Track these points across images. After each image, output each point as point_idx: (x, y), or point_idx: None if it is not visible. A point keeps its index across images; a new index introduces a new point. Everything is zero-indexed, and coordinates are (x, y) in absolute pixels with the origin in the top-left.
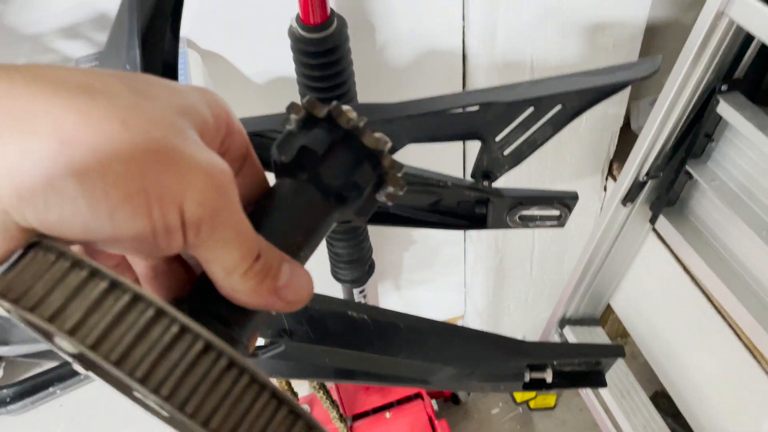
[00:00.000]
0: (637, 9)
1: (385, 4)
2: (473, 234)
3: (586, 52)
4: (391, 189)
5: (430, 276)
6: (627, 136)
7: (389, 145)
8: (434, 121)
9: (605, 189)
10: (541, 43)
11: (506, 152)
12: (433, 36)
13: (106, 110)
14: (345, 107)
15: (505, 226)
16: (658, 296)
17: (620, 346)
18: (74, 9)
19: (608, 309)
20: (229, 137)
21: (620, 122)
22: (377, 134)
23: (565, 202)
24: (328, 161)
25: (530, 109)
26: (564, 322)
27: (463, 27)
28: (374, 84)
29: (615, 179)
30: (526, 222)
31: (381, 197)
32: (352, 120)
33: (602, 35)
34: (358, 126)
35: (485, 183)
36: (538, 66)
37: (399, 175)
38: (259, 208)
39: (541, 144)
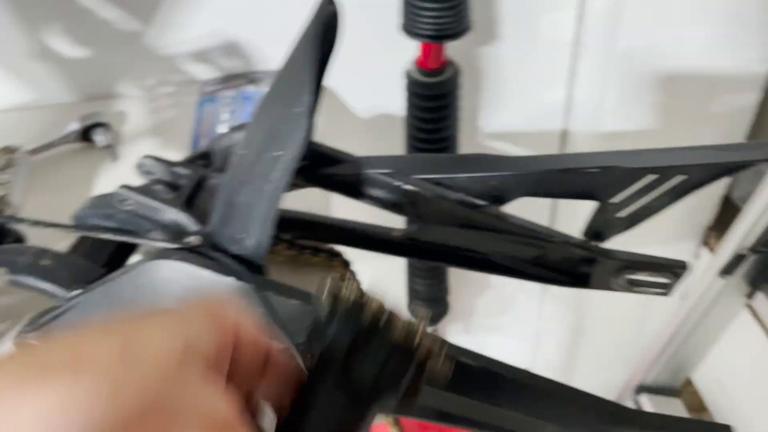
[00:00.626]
0: (753, 80)
1: (496, 60)
2: (554, 287)
3: (695, 119)
4: (433, 380)
5: (502, 323)
6: (725, 205)
7: (419, 336)
8: (554, 178)
9: (698, 257)
10: (648, 106)
11: (621, 215)
12: (537, 93)
13: (89, 390)
14: (370, 297)
15: (609, 287)
16: (745, 375)
17: (727, 426)
18: (207, 36)
19: (687, 380)
20: (239, 350)
21: (721, 191)
22: (405, 325)
23: (675, 270)
24: (355, 359)
25: (652, 177)
26: (641, 389)
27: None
28: (475, 132)
29: (710, 248)
30: (632, 286)
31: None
32: (376, 313)
33: (716, 103)
34: (381, 319)
35: (594, 242)
36: (644, 129)
37: (440, 366)
38: (291, 417)
39: (657, 212)
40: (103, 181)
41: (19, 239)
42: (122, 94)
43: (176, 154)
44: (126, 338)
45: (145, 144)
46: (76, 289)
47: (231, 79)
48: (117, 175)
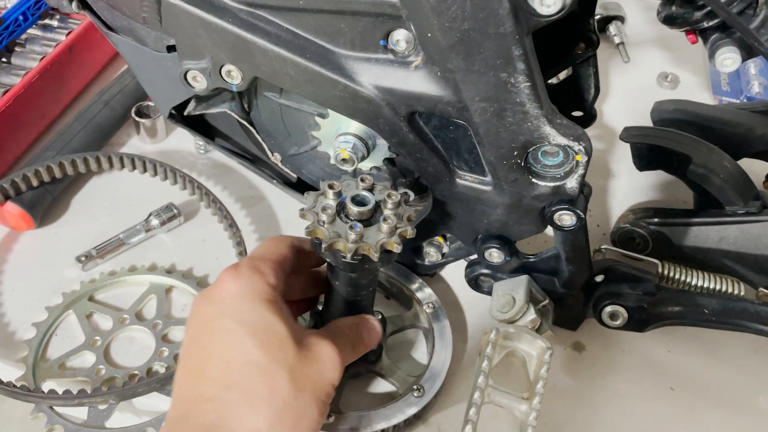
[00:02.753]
0: None
1: None
2: None
3: None
4: None
5: None
6: None
7: None
8: None
9: None
10: None
11: None
12: None
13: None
14: None
15: None
16: None
17: None
18: None
19: None
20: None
21: None
22: None
23: None
24: None
25: None
26: None
27: None
28: None
29: None
30: None
31: None
32: None
33: None
34: None
35: None
36: None
37: None
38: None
39: None
40: (616, 81)
41: None
42: None
43: (691, 76)
44: (298, 379)
45: (652, 55)
46: (750, 207)
47: None
48: (632, 80)
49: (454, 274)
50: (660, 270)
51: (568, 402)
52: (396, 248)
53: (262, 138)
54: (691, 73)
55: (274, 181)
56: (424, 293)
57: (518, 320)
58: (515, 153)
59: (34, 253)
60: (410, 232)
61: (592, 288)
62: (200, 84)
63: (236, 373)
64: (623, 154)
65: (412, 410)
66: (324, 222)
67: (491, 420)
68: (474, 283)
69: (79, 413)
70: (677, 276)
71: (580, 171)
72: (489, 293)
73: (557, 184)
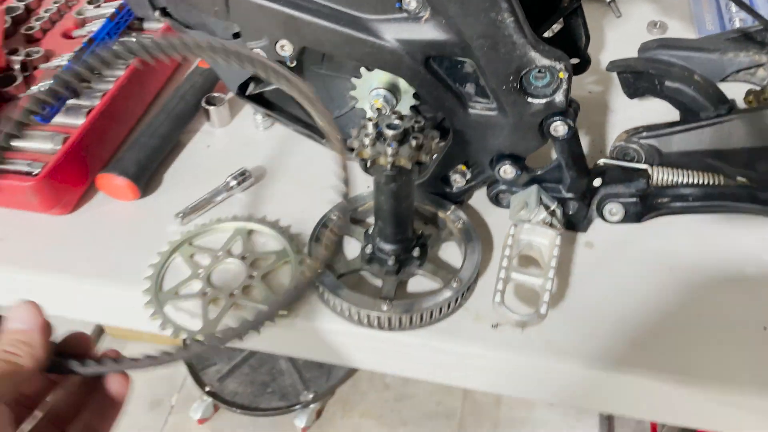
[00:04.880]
0: None
1: None
2: None
3: None
4: None
5: None
6: None
7: None
8: None
9: None
10: None
11: None
12: None
13: None
14: None
15: None
16: None
17: None
18: None
19: None
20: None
21: None
22: None
23: None
24: None
25: None
26: None
27: None
28: None
29: None
30: None
31: None
32: None
33: None
34: None
35: None
36: None
37: None
38: None
39: None
40: (610, 34)
41: None
42: None
43: (678, 21)
44: None
45: (641, 8)
46: (720, 110)
47: None
48: (624, 32)
49: (480, 202)
50: (650, 173)
51: (581, 286)
52: (424, 158)
53: None
54: (677, 18)
55: (323, 141)
56: (456, 215)
57: (532, 220)
58: (511, 78)
59: (142, 215)
60: (435, 146)
61: (593, 192)
62: None
63: None
64: (619, 92)
65: (451, 294)
66: (367, 145)
67: (516, 298)
68: (495, 199)
69: (194, 325)
70: (665, 177)
71: (564, 86)
72: (508, 207)
73: (548, 99)
